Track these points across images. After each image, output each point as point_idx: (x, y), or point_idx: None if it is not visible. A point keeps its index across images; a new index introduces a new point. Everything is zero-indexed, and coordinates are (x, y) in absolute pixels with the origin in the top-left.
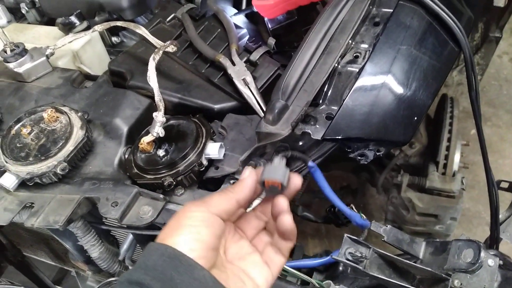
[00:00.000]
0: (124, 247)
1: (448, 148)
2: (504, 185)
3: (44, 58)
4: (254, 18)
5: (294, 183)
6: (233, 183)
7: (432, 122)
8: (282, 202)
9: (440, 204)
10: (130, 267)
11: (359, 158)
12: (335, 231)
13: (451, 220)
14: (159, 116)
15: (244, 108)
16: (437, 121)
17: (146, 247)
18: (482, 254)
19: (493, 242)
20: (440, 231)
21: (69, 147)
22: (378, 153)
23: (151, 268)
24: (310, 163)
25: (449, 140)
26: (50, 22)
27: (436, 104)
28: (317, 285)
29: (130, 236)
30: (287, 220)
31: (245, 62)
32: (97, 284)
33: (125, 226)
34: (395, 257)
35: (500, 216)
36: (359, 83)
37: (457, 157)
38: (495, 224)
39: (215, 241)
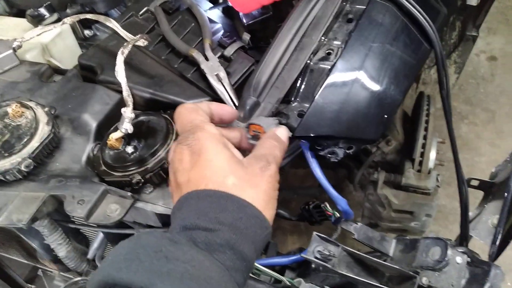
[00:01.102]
0: (94, 245)
1: (424, 146)
2: (475, 183)
3: (11, 51)
4: (229, 12)
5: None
6: None
7: (409, 120)
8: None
9: (416, 201)
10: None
11: (329, 156)
12: (315, 228)
13: (426, 217)
14: (127, 112)
15: None
16: (414, 119)
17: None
18: (449, 252)
19: (462, 239)
20: (415, 228)
21: (34, 143)
22: (348, 151)
23: (203, 213)
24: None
25: (425, 137)
26: (20, 13)
27: (414, 102)
28: (288, 283)
29: (101, 235)
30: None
31: (219, 57)
32: (64, 284)
33: (93, 224)
34: (364, 255)
35: (470, 213)
36: (330, 80)
37: (432, 155)
38: (464, 221)
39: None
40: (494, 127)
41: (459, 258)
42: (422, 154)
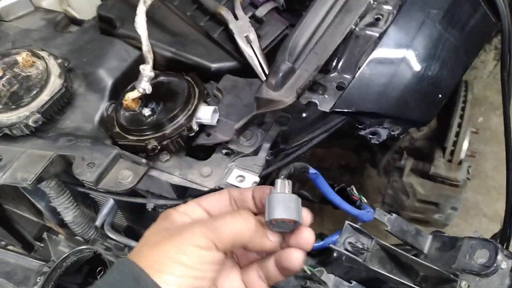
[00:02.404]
0: (104, 212)
1: (457, 134)
2: None
3: None
4: None
5: (305, 218)
6: (225, 153)
7: (443, 106)
8: (308, 236)
9: (442, 192)
10: (109, 234)
11: (370, 136)
12: (329, 209)
13: (451, 210)
14: (146, 70)
15: (245, 69)
16: (448, 105)
17: (130, 274)
18: (499, 256)
19: (504, 240)
20: (439, 220)
21: (44, 96)
22: (393, 133)
23: None
24: (311, 170)
25: (459, 125)
26: None
27: None
28: (308, 272)
29: (111, 201)
30: (298, 258)
31: (249, 17)
32: (69, 250)
33: (103, 190)
34: (400, 251)
35: None
36: (379, 50)
37: (465, 145)
38: (509, 223)
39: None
40: None
41: (504, 264)
42: (454, 143)
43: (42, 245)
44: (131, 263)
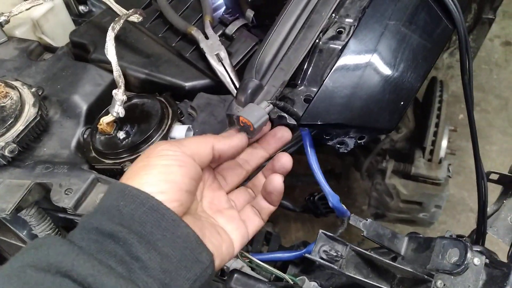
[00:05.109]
0: None
1: (435, 134)
2: (494, 176)
3: None
4: None
5: (264, 130)
6: None
7: (420, 106)
8: (285, 160)
9: (425, 191)
10: None
11: (338, 146)
12: (320, 219)
13: (435, 208)
14: (119, 94)
15: (218, 87)
16: (425, 105)
17: (117, 188)
18: (469, 254)
19: (479, 237)
20: (424, 219)
21: (19, 126)
22: (359, 141)
23: (127, 219)
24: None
25: (436, 125)
26: None
27: (425, 87)
28: (290, 281)
29: None
30: (278, 180)
31: (219, 35)
32: None
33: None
34: (374, 256)
35: (487, 209)
36: (341, 61)
37: (444, 143)
38: (482, 218)
39: (190, 182)
40: (507, 115)
41: (477, 260)
42: (433, 143)
43: None
44: (116, 183)
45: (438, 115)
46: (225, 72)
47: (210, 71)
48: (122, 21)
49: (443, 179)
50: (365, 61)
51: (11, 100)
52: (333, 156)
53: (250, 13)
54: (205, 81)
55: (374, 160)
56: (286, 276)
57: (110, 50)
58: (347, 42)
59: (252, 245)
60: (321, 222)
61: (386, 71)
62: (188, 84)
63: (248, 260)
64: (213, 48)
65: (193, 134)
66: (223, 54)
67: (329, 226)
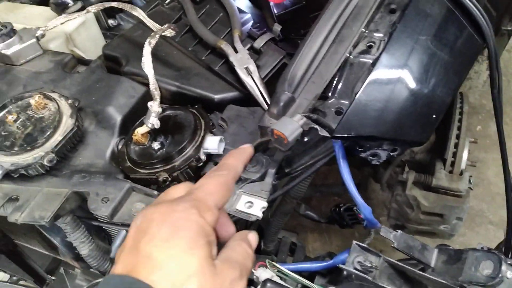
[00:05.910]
0: (117, 243)
1: (456, 146)
2: None
3: (34, 40)
4: (258, 2)
5: None
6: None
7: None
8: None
9: (446, 203)
10: None
11: (370, 158)
12: (336, 228)
13: (456, 220)
14: (154, 106)
15: (247, 99)
16: (446, 117)
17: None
18: (503, 267)
19: (508, 249)
20: (445, 231)
21: (58, 136)
22: (392, 154)
23: None
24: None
25: (457, 137)
26: (43, 2)
27: None
28: None
29: (123, 232)
30: None
31: (248, 49)
32: (86, 283)
33: (118, 223)
34: (407, 267)
35: None
36: (374, 75)
37: (465, 155)
38: (511, 230)
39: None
40: None
41: (509, 273)
42: (454, 154)
43: (53, 278)
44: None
45: (459, 126)
46: (254, 85)
47: (239, 84)
48: (157, 36)
49: (464, 191)
50: (397, 75)
51: (50, 111)
52: (351, 167)
53: (277, 27)
54: (234, 93)
55: (394, 172)
56: (315, 287)
57: (147, 64)
58: (378, 56)
59: (277, 255)
60: (338, 233)
61: (418, 85)
62: (217, 97)
63: (277, 270)
64: (242, 61)
65: (224, 145)
66: (253, 67)
67: (347, 237)
